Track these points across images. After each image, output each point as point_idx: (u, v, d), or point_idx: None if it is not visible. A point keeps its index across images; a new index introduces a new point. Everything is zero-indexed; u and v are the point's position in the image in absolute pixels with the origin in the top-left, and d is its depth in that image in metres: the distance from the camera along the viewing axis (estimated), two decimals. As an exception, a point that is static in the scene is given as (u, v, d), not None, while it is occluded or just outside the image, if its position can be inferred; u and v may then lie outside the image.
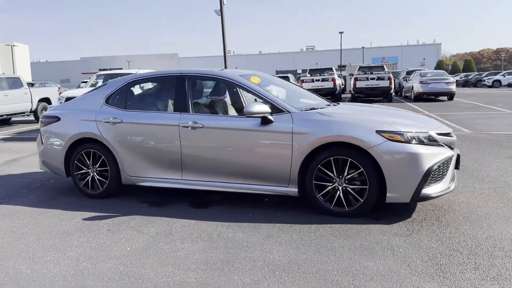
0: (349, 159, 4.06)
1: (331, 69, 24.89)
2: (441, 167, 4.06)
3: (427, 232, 3.73)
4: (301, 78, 23.09)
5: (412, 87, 22.25)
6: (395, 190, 3.96)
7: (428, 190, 3.98)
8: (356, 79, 21.79)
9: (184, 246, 3.64)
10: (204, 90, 5.24)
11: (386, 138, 3.97)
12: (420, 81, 21.40)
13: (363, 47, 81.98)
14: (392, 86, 22.01)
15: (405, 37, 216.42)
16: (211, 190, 4.80)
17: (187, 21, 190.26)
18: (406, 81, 24.93)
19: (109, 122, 5.08)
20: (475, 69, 75.63)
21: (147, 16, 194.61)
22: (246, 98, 5.56)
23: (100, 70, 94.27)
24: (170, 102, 5.06)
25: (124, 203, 4.99)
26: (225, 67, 19.34)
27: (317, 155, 4.19)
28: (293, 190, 4.35)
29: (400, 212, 4.29)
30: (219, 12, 18.74)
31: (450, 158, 4.15)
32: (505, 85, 39.59)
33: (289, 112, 4.37)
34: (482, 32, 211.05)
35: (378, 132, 4.01)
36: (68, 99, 11.28)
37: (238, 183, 4.58)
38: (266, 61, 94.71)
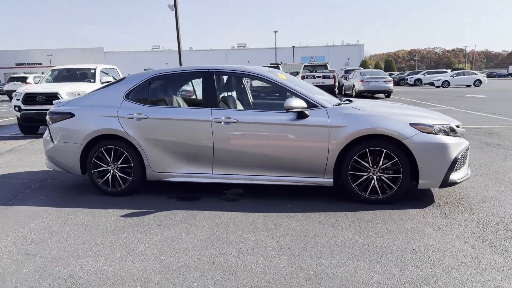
0: (384, 150, 4.42)
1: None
2: (463, 156, 4.56)
3: (459, 214, 4.19)
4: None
5: (354, 85, 23.49)
6: (427, 177, 4.39)
7: (454, 176, 4.45)
8: (303, 77, 22.54)
9: (248, 236, 3.78)
10: (231, 85, 5.34)
11: (419, 130, 4.38)
12: (361, 80, 22.67)
13: (293, 46, 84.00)
14: (337, 84, 23.09)
15: (331, 38, 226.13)
16: (234, 184, 4.91)
17: (113, 15, 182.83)
18: (346, 80, 26.20)
19: (133, 118, 5.02)
20: (396, 69, 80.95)
21: (70, 7, 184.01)
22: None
23: (17, 64, 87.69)
24: (199, 97, 5.11)
25: (150, 199, 4.97)
26: (180, 64, 19.17)
27: (352, 146, 4.50)
28: (328, 180, 4.63)
29: (419, 198, 4.72)
30: (173, 7, 18.41)
31: (468, 148, 4.66)
32: (426, 84, 42.94)
33: (324, 107, 4.64)
34: (397, 35, 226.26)
35: (411, 124, 4.41)
36: (29, 95, 10.66)
37: (270, 175, 4.77)
38: (197, 57, 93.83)
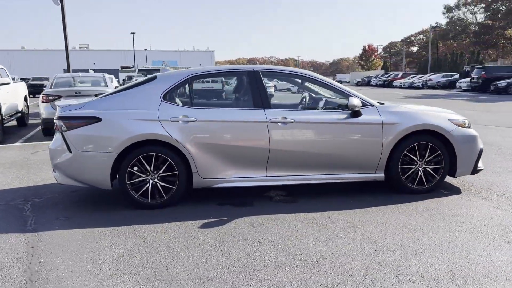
0: (430, 144, 4.90)
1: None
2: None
3: (494, 199, 4.81)
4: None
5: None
6: (462, 167, 5.00)
7: (479, 164, 5.15)
8: None
9: (347, 235, 3.83)
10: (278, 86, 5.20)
11: (456, 125, 4.97)
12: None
13: (146, 50, 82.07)
14: None
15: (182, 43, 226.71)
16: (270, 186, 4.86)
17: None
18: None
19: (178, 121, 4.56)
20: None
21: None
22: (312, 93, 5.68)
23: None
24: (246, 98, 4.89)
25: (200, 208, 4.62)
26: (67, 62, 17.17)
27: (402, 142, 4.87)
28: (379, 175, 4.92)
29: (442, 187, 5.30)
30: (58, 2, 16.34)
31: (479, 139, 5.44)
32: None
33: (373, 106, 4.92)
34: (237, 43, 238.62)
35: (450, 120, 4.97)
36: None
37: (324, 174, 4.86)
38: (31, 58, 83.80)
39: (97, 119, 4.52)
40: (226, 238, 3.75)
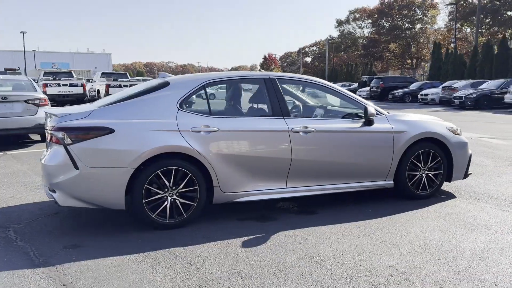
0: (432, 151, 5.13)
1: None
2: (468, 152, 5.69)
3: (488, 201, 5.20)
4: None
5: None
6: (457, 172, 5.33)
7: (469, 169, 5.52)
8: (45, 86, 20.73)
9: (402, 246, 3.85)
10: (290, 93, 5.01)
11: (452, 132, 5.27)
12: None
13: (34, 51, 75.68)
14: (87, 93, 22.46)
15: (75, 44, 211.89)
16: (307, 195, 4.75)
17: None
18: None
19: (200, 132, 4.18)
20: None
21: None
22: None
23: None
24: (265, 106, 4.65)
25: (221, 224, 4.29)
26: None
27: (409, 149, 5.03)
28: (389, 182, 5.03)
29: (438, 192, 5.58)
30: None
31: (463, 145, 5.82)
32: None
33: (383, 114, 5.01)
34: (134, 46, 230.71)
35: (447, 128, 5.26)
36: None
37: (340, 183, 4.83)
38: None
39: (109, 130, 3.95)
40: (283, 257, 3.50)
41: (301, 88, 5.06)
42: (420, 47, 64.08)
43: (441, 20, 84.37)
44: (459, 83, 24.34)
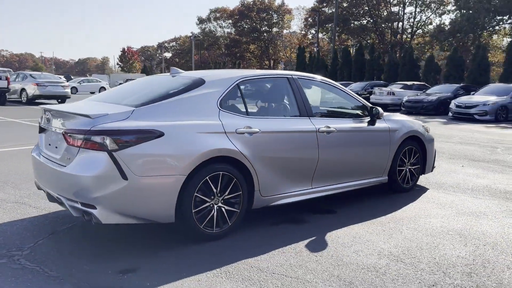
0: (413, 147, 5.66)
1: None
2: (430, 147, 6.37)
3: (460, 190, 5.94)
4: None
5: (24, 89, 20.63)
6: (429, 165, 5.96)
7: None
8: None
9: (447, 242, 4.22)
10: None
11: (426, 130, 5.88)
12: (36, 83, 20.29)
13: None
14: (10, 87, 19.70)
15: None
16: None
17: None
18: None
19: (243, 133, 3.93)
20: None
21: None
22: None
23: None
24: (293, 106, 4.53)
25: (260, 229, 4.12)
26: None
27: (400, 147, 5.46)
28: (385, 178, 5.39)
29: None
30: None
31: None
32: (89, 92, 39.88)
33: (378, 114, 5.34)
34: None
35: (423, 126, 5.85)
36: None
37: (351, 181, 5.01)
38: None
39: (159, 134, 3.45)
40: (359, 258, 3.52)
41: (310, 87, 5.06)
42: (277, 49, 68.45)
43: (295, 25, 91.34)
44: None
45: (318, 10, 41.80)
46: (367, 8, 45.75)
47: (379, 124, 5.20)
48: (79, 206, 3.37)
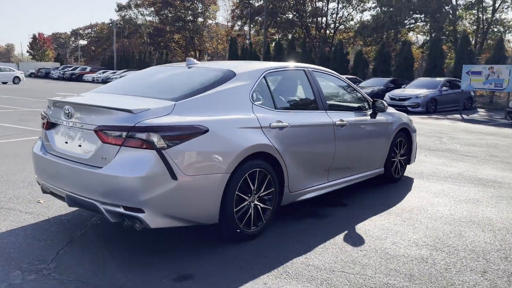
0: (403, 139, 5.89)
1: None
2: (408, 139, 6.66)
3: (436, 179, 6.31)
4: None
5: None
6: (413, 156, 6.23)
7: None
8: None
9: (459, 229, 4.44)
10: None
11: (411, 121, 6.14)
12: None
13: None
14: None
15: None
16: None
17: None
18: None
19: (276, 128, 3.80)
20: None
21: None
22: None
23: None
24: (311, 99, 4.46)
25: (285, 228, 4.04)
26: None
27: (394, 138, 5.65)
28: (382, 169, 5.54)
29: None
30: None
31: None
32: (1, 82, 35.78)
33: (377, 107, 5.47)
34: None
35: (408, 118, 6.10)
36: None
37: (359, 173, 5.09)
38: None
39: (204, 130, 3.22)
40: (402, 250, 3.59)
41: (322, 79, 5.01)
42: (203, 40, 67.51)
43: (221, 16, 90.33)
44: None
45: (248, 1, 41.85)
46: (293, 2, 46.68)
47: (379, 117, 5.32)
48: (121, 210, 3.04)
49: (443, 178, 6.21)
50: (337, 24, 47.49)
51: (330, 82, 5.05)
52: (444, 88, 18.47)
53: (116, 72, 45.15)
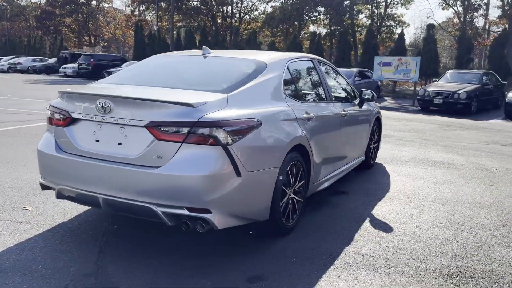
0: (376, 127, 6.20)
1: None
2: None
3: (399, 163, 6.74)
4: None
5: None
6: (380, 143, 6.60)
7: (378, 141, 6.89)
8: None
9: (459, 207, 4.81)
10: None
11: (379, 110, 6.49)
12: None
13: None
14: None
15: None
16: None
17: None
18: None
19: (306, 120, 3.76)
20: None
21: None
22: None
23: None
24: (321, 90, 4.45)
25: (307, 220, 4.06)
26: None
27: (372, 127, 5.92)
28: (363, 157, 5.78)
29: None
30: None
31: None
32: None
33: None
34: None
35: (378, 107, 6.43)
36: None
37: (352, 161, 5.24)
38: None
39: (259, 123, 3.06)
40: (430, 232, 3.81)
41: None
42: (99, 24, 63.41)
43: (119, 1, 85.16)
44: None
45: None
46: (201, -11, 45.88)
47: (364, 107, 5.52)
48: (184, 212, 2.77)
49: (405, 162, 6.66)
50: (242, 14, 47.84)
51: (330, 72, 5.09)
52: (357, 78, 19.69)
53: (2, 58, 40.52)
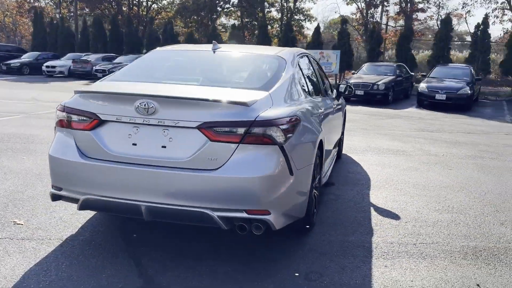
0: (344, 120, 6.47)
1: None
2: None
3: (360, 152, 7.08)
4: None
5: None
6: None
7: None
8: None
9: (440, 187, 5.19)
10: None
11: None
12: None
13: None
14: None
15: None
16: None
17: None
18: None
19: (320, 115, 3.82)
20: None
21: None
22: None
23: None
24: (318, 83, 4.53)
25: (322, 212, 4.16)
26: None
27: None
28: (337, 148, 5.99)
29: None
30: None
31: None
32: None
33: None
34: None
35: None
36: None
37: (334, 156, 5.39)
38: None
39: (300, 120, 3.04)
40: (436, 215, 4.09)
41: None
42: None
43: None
44: (91, 56, 24.64)
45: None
46: (101, -25, 43.24)
47: (341, 100, 5.71)
48: (244, 215, 2.67)
49: (363, 151, 7.03)
50: (149, 2, 46.16)
51: (318, 66, 5.16)
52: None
53: None
